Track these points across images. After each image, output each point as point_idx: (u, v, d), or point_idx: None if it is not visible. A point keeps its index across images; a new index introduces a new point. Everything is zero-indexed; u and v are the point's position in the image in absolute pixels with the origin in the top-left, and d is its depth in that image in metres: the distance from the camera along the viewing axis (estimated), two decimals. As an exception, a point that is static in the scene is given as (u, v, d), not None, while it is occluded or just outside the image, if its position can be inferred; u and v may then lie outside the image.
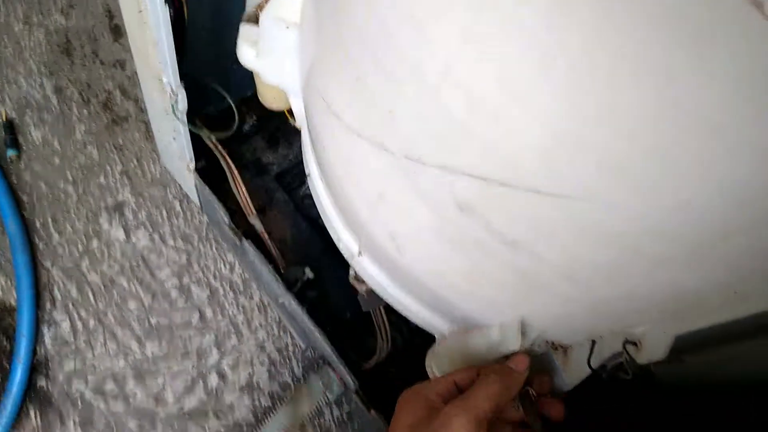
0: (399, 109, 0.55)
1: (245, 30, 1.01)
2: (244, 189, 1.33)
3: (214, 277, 1.63)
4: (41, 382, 1.45)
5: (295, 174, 1.74)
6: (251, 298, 1.63)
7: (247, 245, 1.31)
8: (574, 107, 0.40)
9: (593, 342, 0.70)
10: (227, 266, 1.65)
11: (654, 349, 0.60)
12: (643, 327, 0.61)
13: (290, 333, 1.60)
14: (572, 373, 0.78)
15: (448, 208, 0.59)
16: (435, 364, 1.15)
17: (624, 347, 0.63)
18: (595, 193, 0.44)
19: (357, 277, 1.23)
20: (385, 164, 0.66)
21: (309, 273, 1.36)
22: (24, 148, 1.66)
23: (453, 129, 0.49)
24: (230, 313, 1.60)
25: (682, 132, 0.36)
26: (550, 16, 0.36)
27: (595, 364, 0.71)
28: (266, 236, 1.39)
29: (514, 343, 0.77)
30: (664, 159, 0.39)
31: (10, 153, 1.62)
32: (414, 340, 1.56)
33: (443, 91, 0.47)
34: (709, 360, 0.67)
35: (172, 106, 1.06)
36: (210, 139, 1.27)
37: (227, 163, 1.29)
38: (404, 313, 1.10)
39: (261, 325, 1.61)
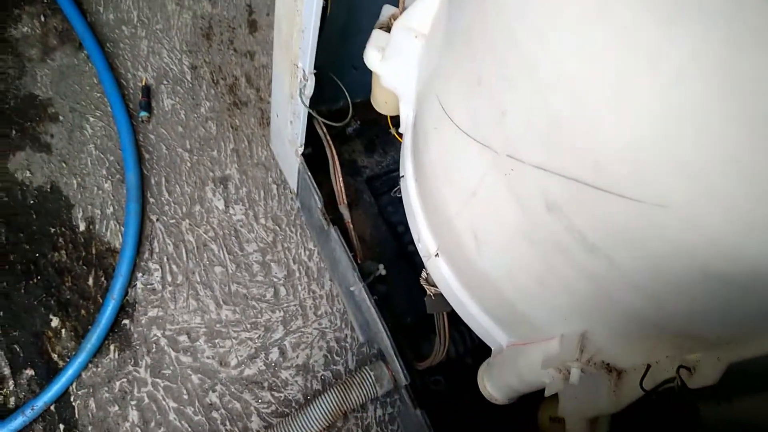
0: (511, 108, 0.63)
1: (376, 35, 1.13)
2: (341, 178, 1.44)
3: (294, 260, 1.75)
4: (125, 321, 1.60)
5: (384, 181, 1.85)
6: (322, 286, 1.73)
7: (333, 231, 1.41)
8: (666, 114, 0.47)
9: (648, 366, 0.73)
10: (307, 253, 1.76)
11: (706, 375, 0.63)
12: (698, 353, 0.65)
13: (351, 326, 1.68)
14: (622, 396, 0.81)
15: (536, 207, 0.66)
16: (487, 376, 1.20)
17: (677, 372, 0.67)
18: (672, 200, 0.50)
19: (428, 280, 1.30)
20: (486, 162, 0.73)
21: (382, 269, 1.44)
22: (155, 112, 1.87)
23: (556, 130, 0.57)
24: (301, 296, 1.71)
25: (761, 149, 0.42)
26: (660, 29, 0.44)
27: (647, 388, 0.74)
28: (351, 226, 1.49)
29: (572, 356, 0.81)
30: (746, 173, 0.44)
31: (142, 114, 1.82)
32: (467, 358, 1.61)
33: (554, 92, 0.55)
34: (758, 405, 0.69)
35: (300, 90, 1.19)
36: (322, 128, 1.39)
37: (332, 153, 1.41)
38: (466, 319, 1.16)
39: (326, 313, 1.70)
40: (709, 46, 0.42)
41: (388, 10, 1.16)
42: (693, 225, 0.51)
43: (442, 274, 1.12)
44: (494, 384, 1.15)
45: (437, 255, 1.12)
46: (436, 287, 1.23)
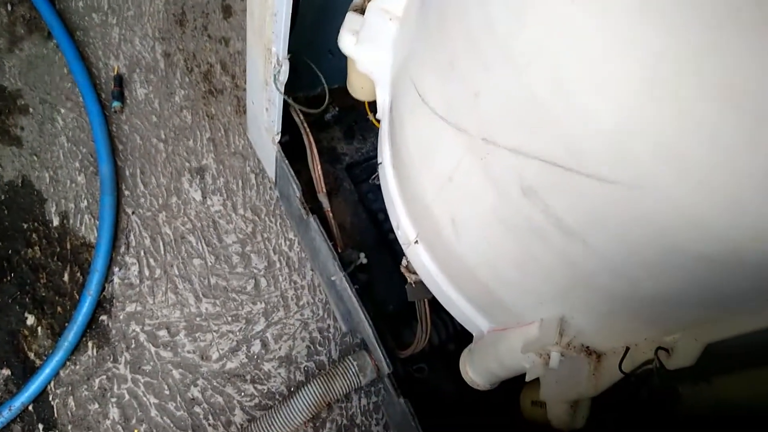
0: (484, 90, 0.61)
1: (350, 18, 1.10)
2: (319, 166, 1.41)
3: (274, 251, 1.72)
4: (103, 318, 1.57)
5: (364, 168, 1.82)
6: (303, 277, 1.71)
7: (312, 220, 1.39)
8: (644, 93, 0.45)
9: (627, 348, 0.73)
10: (287, 243, 1.74)
11: (684, 356, 0.62)
12: (676, 334, 0.64)
13: (333, 316, 1.67)
14: (602, 379, 0.80)
15: (512, 191, 0.64)
16: (468, 362, 1.19)
17: (656, 353, 0.66)
18: (648, 180, 0.49)
19: (408, 267, 1.29)
20: (462, 146, 0.72)
21: (363, 258, 1.42)
22: (128, 102, 1.82)
23: (532, 111, 0.55)
24: (282, 286, 1.69)
25: (742, 126, 0.41)
26: (638, 8, 0.42)
27: (626, 370, 0.74)
28: (330, 215, 1.47)
29: (551, 340, 0.80)
30: (724, 153, 0.43)
31: (115, 104, 1.78)
32: (449, 344, 1.60)
33: (529, 73, 0.53)
34: (736, 383, 0.68)
35: (274, 76, 1.16)
36: (299, 114, 1.36)
37: (309, 140, 1.38)
38: (447, 305, 1.15)
39: (308, 304, 1.68)
40: (685, 27, 0.41)
41: (362, -8, 1.13)
42: (669, 206, 0.50)
43: (421, 261, 1.11)
44: (476, 370, 1.14)
45: (416, 242, 1.10)
46: (417, 274, 1.22)
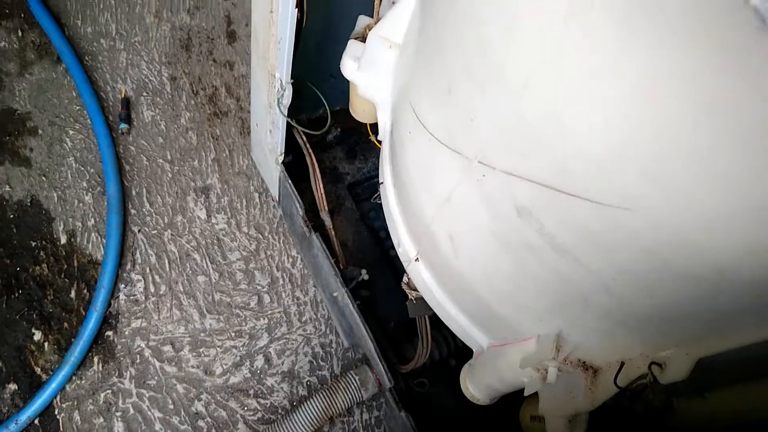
0: (480, 115, 0.65)
1: (352, 45, 1.15)
2: (321, 186, 1.46)
3: (277, 267, 1.76)
4: (109, 333, 1.60)
5: (366, 187, 1.87)
6: (306, 293, 1.74)
7: (315, 238, 1.43)
8: (632, 119, 0.49)
9: (622, 363, 0.76)
10: (290, 260, 1.77)
11: (677, 371, 0.65)
12: (669, 350, 0.67)
13: (336, 332, 1.70)
14: (598, 394, 0.83)
15: (507, 211, 0.68)
16: (469, 378, 1.22)
17: (649, 368, 0.69)
18: (637, 203, 0.53)
19: (409, 284, 1.32)
20: (459, 169, 0.76)
21: (365, 274, 1.46)
22: (135, 123, 1.87)
23: (525, 135, 0.59)
24: (285, 303, 1.72)
25: (721, 147, 0.45)
26: (623, 35, 0.46)
27: (621, 385, 0.77)
28: (332, 233, 1.50)
29: (549, 355, 0.84)
30: (710, 175, 0.47)
31: (122, 126, 1.82)
32: (450, 360, 1.63)
33: (521, 98, 0.57)
34: (729, 396, 0.71)
35: (278, 99, 1.20)
36: (301, 136, 1.40)
37: (311, 160, 1.42)
38: (447, 321, 1.18)
39: (311, 320, 1.71)
40: (670, 52, 0.45)
41: (363, 20, 1.18)
42: (657, 227, 0.54)
43: (422, 278, 1.14)
44: (476, 385, 1.17)
45: (417, 260, 1.14)
46: (418, 291, 1.25)
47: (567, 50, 0.54)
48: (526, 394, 0.99)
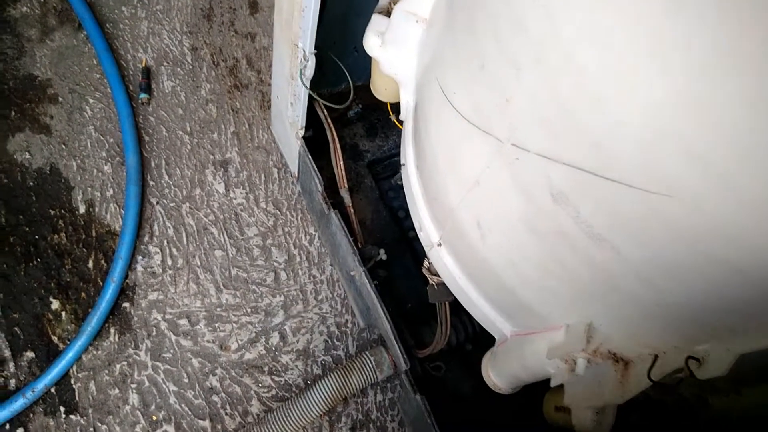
0: (516, 96, 0.61)
1: (376, 20, 1.11)
2: (342, 162, 1.42)
3: (294, 245, 1.74)
4: (126, 305, 1.60)
5: (386, 165, 1.83)
6: (323, 271, 1.72)
7: (334, 215, 1.40)
8: (676, 102, 0.45)
9: (656, 356, 0.73)
10: (308, 237, 1.75)
11: (716, 366, 0.62)
12: (707, 344, 0.64)
13: (352, 311, 1.68)
14: (629, 387, 0.80)
15: (542, 197, 0.65)
16: (491, 366, 1.19)
17: (686, 362, 0.66)
18: (680, 190, 0.49)
19: (430, 269, 1.29)
20: (490, 150, 0.72)
21: (383, 254, 1.43)
22: (155, 94, 1.84)
23: (563, 117, 0.55)
24: (302, 280, 1.70)
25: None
26: (667, 13, 0.42)
27: (654, 378, 0.73)
28: (351, 210, 1.48)
29: (578, 346, 0.80)
30: (757, 161, 0.43)
31: (142, 96, 1.80)
32: (466, 345, 1.61)
33: (561, 78, 0.53)
34: (765, 395, 0.68)
35: (300, 71, 1.17)
36: (323, 110, 1.37)
37: (332, 136, 1.39)
38: (469, 308, 1.15)
39: (327, 298, 1.69)
40: (719, 35, 0.41)
41: (390, -8, 1.13)
42: (700, 214, 0.50)
43: (444, 263, 1.11)
44: (498, 374, 1.14)
45: (440, 244, 1.11)
46: (439, 276, 1.22)
47: (611, 28, 0.49)
48: (552, 384, 0.96)
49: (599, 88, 0.51)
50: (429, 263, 1.26)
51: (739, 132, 0.45)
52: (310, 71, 1.18)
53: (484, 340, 1.20)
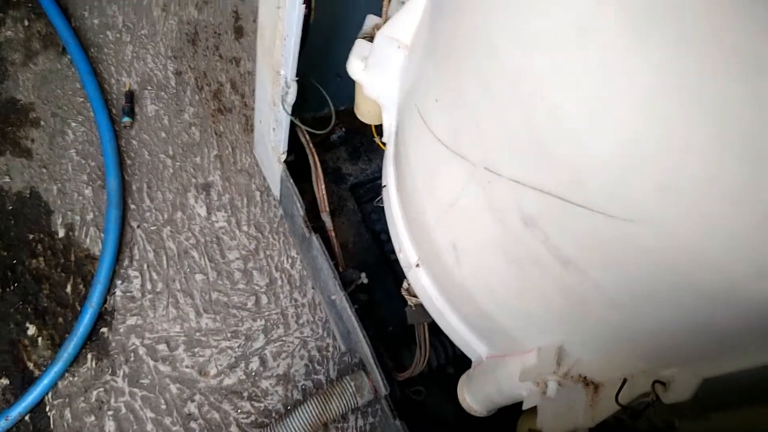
0: (488, 121, 0.63)
1: (359, 45, 1.13)
2: (323, 186, 1.43)
3: (276, 268, 1.73)
4: (104, 330, 1.58)
5: (368, 188, 1.84)
6: (304, 295, 1.72)
7: (315, 239, 1.40)
8: (646, 131, 0.47)
9: (624, 380, 0.73)
10: (290, 260, 1.75)
11: (681, 390, 0.63)
12: (674, 368, 0.65)
13: (333, 335, 1.67)
14: (599, 410, 0.81)
15: (512, 220, 0.66)
16: (467, 388, 1.19)
17: (653, 386, 0.67)
18: (649, 216, 0.50)
19: (409, 290, 1.29)
20: (464, 174, 0.73)
21: (364, 278, 1.43)
22: (138, 117, 1.85)
23: (533, 143, 0.57)
24: (283, 304, 1.69)
25: (744, 162, 0.42)
26: (636, 46, 0.44)
27: (623, 402, 0.74)
28: (333, 234, 1.48)
29: (549, 369, 0.81)
30: (724, 189, 0.44)
31: (125, 119, 1.80)
32: (447, 368, 1.60)
33: (532, 106, 0.55)
34: (734, 420, 0.69)
35: (282, 97, 1.18)
36: (305, 135, 1.38)
37: (314, 159, 1.40)
38: (446, 330, 1.16)
39: (308, 322, 1.69)
40: (682, 65, 0.42)
41: (371, 20, 1.16)
42: (669, 240, 0.51)
43: (422, 285, 1.12)
44: (474, 396, 1.14)
45: (418, 266, 1.12)
46: (417, 298, 1.22)
47: (580, 57, 0.51)
48: (524, 407, 0.96)
49: (569, 116, 0.52)
50: (408, 284, 1.27)
51: (710, 162, 0.47)
52: (291, 98, 1.19)
53: (465, 363, 1.20)
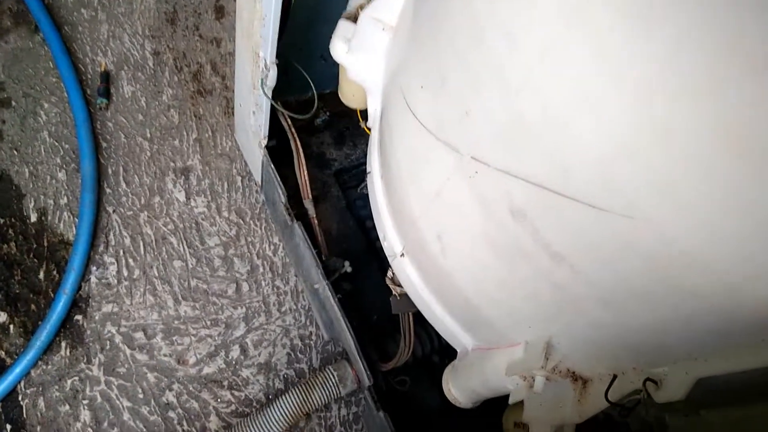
0: (475, 110, 0.59)
1: (342, 26, 1.09)
2: (306, 172, 1.39)
3: (258, 255, 1.70)
4: (78, 317, 1.53)
5: (353, 174, 1.80)
6: (287, 282, 1.68)
7: (297, 227, 1.36)
8: (637, 124, 0.44)
9: (614, 376, 0.71)
10: (271, 247, 1.71)
11: (674, 390, 0.61)
12: (666, 366, 0.63)
13: (316, 324, 1.64)
14: (587, 406, 0.79)
15: (500, 212, 0.63)
16: (451, 379, 1.17)
17: (644, 384, 0.65)
18: (640, 211, 0.47)
19: (393, 279, 1.26)
20: (450, 163, 0.70)
21: (348, 267, 1.40)
22: (114, 99, 1.78)
23: (522, 133, 0.53)
24: (264, 292, 1.66)
25: (739, 161, 0.39)
26: (632, 35, 0.40)
27: (613, 399, 0.72)
28: (316, 222, 1.44)
29: (537, 363, 0.79)
30: (718, 186, 0.42)
31: (100, 101, 1.74)
32: (433, 357, 1.58)
33: (521, 95, 0.51)
34: (725, 418, 0.67)
35: (262, 80, 1.14)
36: (286, 119, 1.34)
37: (296, 145, 1.36)
38: (432, 320, 1.13)
39: (290, 310, 1.65)
40: (681, 58, 0.39)
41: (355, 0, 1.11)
42: (661, 238, 0.49)
43: (407, 274, 1.09)
44: (459, 388, 1.12)
45: (402, 255, 1.09)
46: (402, 287, 1.20)
47: (568, 46, 0.48)
48: (511, 401, 0.94)
49: (559, 106, 0.49)
50: (392, 274, 1.24)
51: (703, 159, 0.44)
52: (271, 81, 1.15)
53: (451, 352, 1.18)
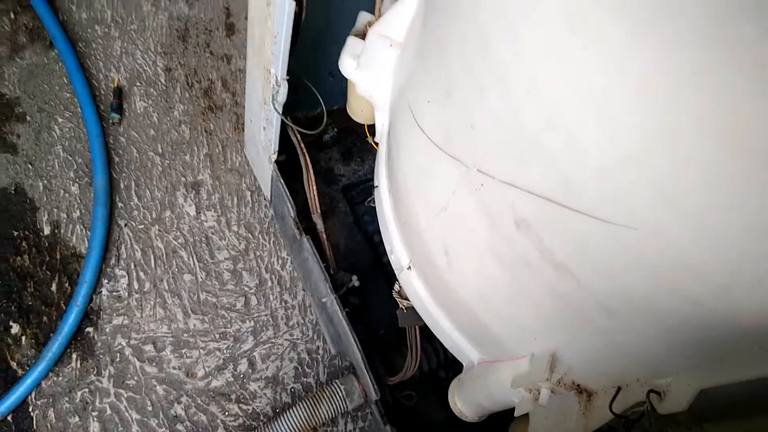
0: (480, 121, 0.61)
1: (351, 42, 1.11)
2: (314, 187, 1.41)
3: (266, 269, 1.71)
4: (89, 329, 1.55)
5: (361, 190, 1.82)
6: (295, 296, 1.70)
7: (306, 241, 1.38)
8: (641, 128, 0.45)
9: (618, 389, 0.72)
10: (280, 261, 1.73)
11: (677, 401, 0.61)
12: (669, 378, 0.63)
13: (323, 338, 1.65)
14: (592, 419, 0.79)
15: (505, 224, 0.64)
16: (458, 393, 1.17)
17: (647, 396, 0.65)
18: (644, 222, 0.48)
19: (400, 293, 1.27)
20: (456, 176, 0.71)
21: (356, 281, 1.41)
22: (126, 114, 1.82)
23: (527, 145, 0.55)
24: (273, 305, 1.67)
25: (746, 171, 0.40)
26: (634, 41, 0.42)
27: (617, 411, 0.73)
28: (324, 236, 1.46)
29: (542, 376, 0.79)
30: (722, 198, 0.43)
31: (113, 116, 1.77)
32: (439, 372, 1.58)
33: (525, 106, 0.53)
34: (729, 430, 0.67)
35: (272, 96, 1.16)
36: (296, 135, 1.36)
37: (305, 160, 1.38)
38: (438, 334, 1.14)
39: (298, 324, 1.66)
40: (685, 65, 0.41)
41: (363, 17, 1.14)
42: (666, 249, 0.50)
43: (414, 287, 1.10)
44: (465, 401, 1.12)
45: (409, 268, 1.10)
46: (409, 301, 1.20)
47: (573, 56, 0.49)
48: (516, 414, 0.94)
49: (560, 114, 0.51)
50: (399, 287, 1.25)
51: (711, 169, 0.45)
52: (282, 97, 1.17)
53: (457, 367, 1.19)
